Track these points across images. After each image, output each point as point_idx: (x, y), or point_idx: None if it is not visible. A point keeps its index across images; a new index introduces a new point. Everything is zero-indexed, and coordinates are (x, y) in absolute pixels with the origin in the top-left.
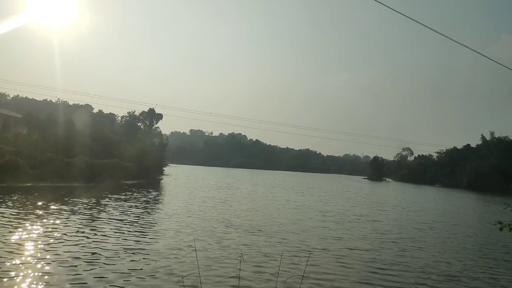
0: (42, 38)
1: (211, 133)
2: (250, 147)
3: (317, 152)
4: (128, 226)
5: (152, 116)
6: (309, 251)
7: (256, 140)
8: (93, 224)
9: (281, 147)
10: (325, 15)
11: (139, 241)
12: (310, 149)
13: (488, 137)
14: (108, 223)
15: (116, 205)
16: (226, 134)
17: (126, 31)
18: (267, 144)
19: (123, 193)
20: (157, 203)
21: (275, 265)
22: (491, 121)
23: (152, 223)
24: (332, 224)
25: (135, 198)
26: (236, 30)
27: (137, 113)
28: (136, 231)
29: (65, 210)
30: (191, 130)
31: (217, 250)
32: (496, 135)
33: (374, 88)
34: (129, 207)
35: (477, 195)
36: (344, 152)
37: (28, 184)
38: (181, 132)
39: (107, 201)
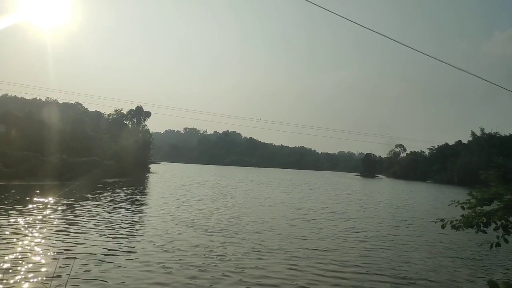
0: (34, 37)
1: (206, 131)
2: (244, 145)
3: (312, 150)
4: (70, 227)
5: (140, 114)
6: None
7: (250, 138)
8: (34, 226)
9: (276, 144)
10: (318, 13)
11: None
12: (305, 146)
13: (478, 133)
14: (50, 225)
15: (76, 204)
16: (221, 132)
17: (119, 31)
18: (262, 141)
19: (94, 192)
20: (124, 202)
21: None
22: (484, 118)
23: (100, 224)
24: (303, 222)
25: (102, 198)
26: (230, 28)
27: (124, 111)
28: (75, 233)
29: (18, 210)
30: (185, 129)
31: (144, 255)
32: (487, 131)
33: (368, 86)
34: (90, 206)
35: (467, 190)
36: (338, 149)
37: (0, 183)
38: (175, 130)
39: (70, 201)
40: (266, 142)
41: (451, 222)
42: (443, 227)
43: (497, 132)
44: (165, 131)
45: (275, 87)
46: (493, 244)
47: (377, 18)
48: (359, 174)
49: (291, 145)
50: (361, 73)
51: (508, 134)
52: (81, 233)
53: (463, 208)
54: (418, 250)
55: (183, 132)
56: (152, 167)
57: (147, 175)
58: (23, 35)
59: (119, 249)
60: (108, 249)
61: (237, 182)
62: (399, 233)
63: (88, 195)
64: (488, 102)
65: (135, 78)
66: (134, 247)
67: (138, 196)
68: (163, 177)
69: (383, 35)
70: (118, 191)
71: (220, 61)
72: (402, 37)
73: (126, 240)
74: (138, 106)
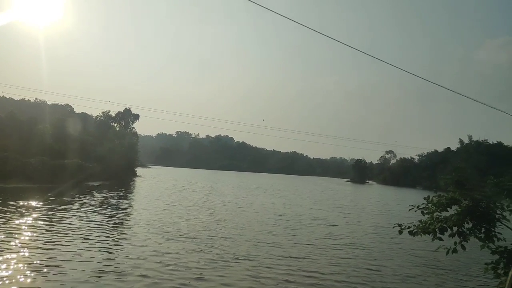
0: (24, 37)
1: (198, 135)
2: (236, 149)
3: (304, 155)
4: (27, 234)
5: (128, 116)
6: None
7: (242, 142)
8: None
9: (268, 149)
10: (314, 17)
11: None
12: (297, 151)
13: (466, 141)
14: (13, 230)
15: (45, 208)
16: (213, 136)
17: (111, 32)
18: (254, 146)
19: (70, 196)
20: (97, 207)
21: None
22: (477, 125)
23: (62, 230)
24: (280, 228)
25: (75, 202)
26: (224, 31)
27: (112, 114)
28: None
29: None
30: (177, 132)
31: (98, 263)
32: (475, 139)
33: (362, 91)
34: (60, 210)
35: None
36: (331, 155)
37: None
38: (167, 134)
39: (41, 205)
40: (259, 146)
41: (408, 227)
42: (400, 232)
43: (485, 140)
44: (157, 134)
45: (269, 91)
46: (449, 250)
47: (372, 25)
48: (349, 180)
49: (283, 150)
50: (355, 79)
51: (496, 142)
52: (38, 240)
53: (423, 213)
54: (392, 258)
55: (175, 135)
56: (141, 170)
57: (133, 179)
58: (13, 35)
59: (71, 258)
60: (59, 257)
61: (223, 186)
62: (376, 240)
63: (62, 199)
64: (479, 109)
65: (127, 81)
66: (90, 254)
67: (115, 200)
68: (149, 180)
69: (380, 60)
70: (96, 194)
71: (214, 64)
72: (397, 42)
73: (84, 246)
74: (126, 108)
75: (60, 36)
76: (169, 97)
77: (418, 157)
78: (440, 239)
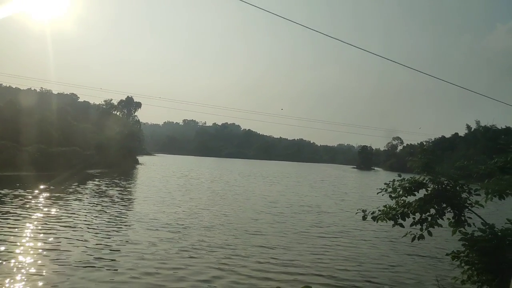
0: (33, 27)
1: (204, 123)
2: (243, 137)
3: (311, 142)
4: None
5: (130, 104)
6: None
7: (249, 130)
8: None
9: (275, 137)
10: (322, 6)
11: None
12: (304, 139)
13: (474, 126)
14: None
15: (33, 196)
16: (220, 124)
17: (120, 23)
18: (260, 134)
19: (64, 184)
20: (84, 194)
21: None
22: (486, 111)
23: (42, 218)
24: (268, 216)
25: (66, 189)
26: (232, 20)
27: (115, 102)
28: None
29: None
30: (184, 120)
31: (61, 252)
32: (483, 124)
33: (369, 79)
34: (47, 199)
35: None
36: (338, 142)
37: None
38: (174, 122)
39: (31, 192)
40: (265, 134)
41: (372, 213)
42: (364, 218)
43: (493, 125)
44: (163, 123)
45: (276, 80)
46: (416, 236)
47: (380, 10)
48: (355, 166)
49: (290, 138)
50: (362, 66)
51: (504, 127)
52: (25, 229)
53: (391, 197)
54: (378, 246)
55: (182, 124)
56: (145, 158)
57: (135, 166)
58: (22, 25)
59: (40, 247)
60: (28, 244)
61: (225, 174)
62: (367, 228)
63: (53, 187)
64: (488, 95)
65: (134, 70)
66: (59, 242)
67: (107, 188)
68: (150, 168)
69: (385, 57)
70: (90, 183)
71: (223, 53)
72: (405, 30)
73: (52, 235)
74: (128, 96)
75: (69, 28)
76: (178, 87)
77: (425, 143)
78: (401, 225)
